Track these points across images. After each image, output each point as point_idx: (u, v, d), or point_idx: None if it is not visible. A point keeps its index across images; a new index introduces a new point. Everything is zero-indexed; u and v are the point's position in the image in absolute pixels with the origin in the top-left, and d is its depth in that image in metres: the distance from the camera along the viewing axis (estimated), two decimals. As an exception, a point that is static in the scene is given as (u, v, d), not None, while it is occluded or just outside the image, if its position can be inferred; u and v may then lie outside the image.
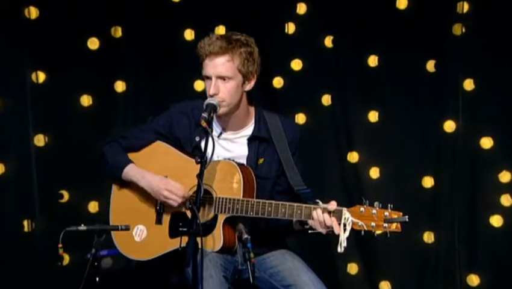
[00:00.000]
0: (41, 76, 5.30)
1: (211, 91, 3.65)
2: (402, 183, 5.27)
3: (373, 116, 5.36)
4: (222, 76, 3.65)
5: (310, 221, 3.55)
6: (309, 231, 3.58)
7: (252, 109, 3.83)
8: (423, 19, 5.20)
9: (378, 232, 3.48)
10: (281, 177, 3.77)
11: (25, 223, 5.25)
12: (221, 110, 3.68)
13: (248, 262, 3.43)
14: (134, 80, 5.38)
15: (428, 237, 5.30)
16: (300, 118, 5.36)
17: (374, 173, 5.36)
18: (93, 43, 5.35)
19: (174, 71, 5.32)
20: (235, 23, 5.24)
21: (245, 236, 3.48)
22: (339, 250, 3.46)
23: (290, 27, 5.36)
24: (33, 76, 5.27)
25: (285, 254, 3.77)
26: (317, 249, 4.92)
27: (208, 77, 3.69)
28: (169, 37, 5.34)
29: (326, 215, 3.50)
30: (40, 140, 5.29)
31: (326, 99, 5.40)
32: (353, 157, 5.39)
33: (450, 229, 5.24)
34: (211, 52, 3.64)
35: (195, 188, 3.61)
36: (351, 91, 5.35)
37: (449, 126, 5.30)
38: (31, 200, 5.22)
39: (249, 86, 3.73)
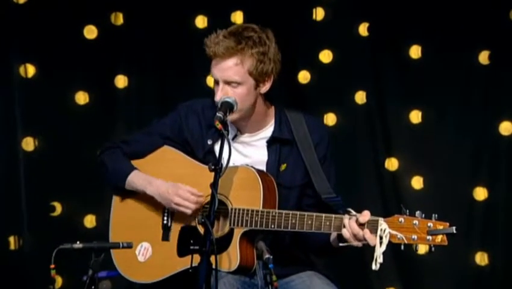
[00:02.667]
0: (31, 70, 5.36)
1: (218, 98, 3.66)
2: (450, 195, 5.26)
3: (415, 116, 5.37)
4: (230, 81, 3.67)
5: (343, 230, 3.53)
6: (340, 244, 3.58)
7: (272, 109, 3.84)
8: (474, 2, 5.20)
9: (421, 246, 3.48)
10: (309, 187, 3.76)
11: (11, 239, 5.30)
12: (232, 116, 3.68)
13: (270, 286, 3.45)
14: (137, 74, 5.43)
15: (481, 258, 5.28)
16: (330, 119, 5.38)
17: (417, 182, 5.36)
18: (91, 32, 5.41)
19: (184, 65, 5.36)
20: (255, 8, 5.28)
21: (266, 255, 3.48)
22: (374, 267, 3.44)
23: (319, 13, 5.38)
24: (21, 69, 5.34)
25: (312, 277, 3.76)
26: (349, 270, 4.93)
27: (216, 81, 3.70)
28: (178, 24, 5.38)
29: (357, 227, 3.49)
30: (28, 144, 5.35)
31: (360, 97, 5.41)
32: (392, 164, 5.39)
33: (506, 249, 5.23)
34: (217, 53, 3.63)
35: (208, 199, 3.63)
36: (390, 87, 5.35)
37: (506, 128, 5.29)
38: (18, 213, 5.27)
39: (264, 88, 3.73)
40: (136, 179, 3.82)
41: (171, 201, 3.73)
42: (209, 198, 3.55)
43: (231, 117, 3.68)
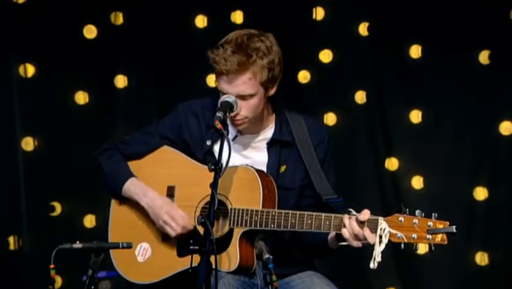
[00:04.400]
0: (30, 70, 5.37)
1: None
2: (450, 195, 5.27)
3: (415, 116, 5.37)
4: (244, 95, 3.66)
5: (343, 230, 3.54)
6: (340, 244, 3.59)
7: (272, 109, 3.84)
8: (474, 2, 5.21)
9: (421, 244, 3.48)
10: (308, 188, 3.77)
11: (11, 239, 5.31)
12: (243, 126, 3.71)
13: (270, 286, 3.46)
14: (137, 74, 5.44)
15: (481, 259, 5.29)
16: (330, 119, 5.39)
17: (417, 182, 5.36)
18: (90, 31, 5.42)
19: (184, 65, 5.38)
20: (255, 7, 5.29)
21: (266, 255, 3.48)
22: (372, 266, 3.45)
23: (319, 13, 5.39)
24: (21, 69, 5.34)
25: (312, 277, 3.77)
26: (349, 270, 4.95)
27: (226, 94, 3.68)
28: (178, 23, 5.39)
29: (357, 226, 3.51)
30: (28, 144, 5.36)
31: (361, 96, 5.42)
32: (392, 164, 5.40)
33: (507, 249, 5.23)
34: (229, 70, 3.61)
35: (207, 199, 3.63)
36: (390, 87, 5.36)
37: (506, 128, 5.30)
38: (17, 213, 5.28)
39: (272, 91, 3.74)
40: (132, 188, 3.82)
41: (160, 218, 3.74)
42: (209, 198, 3.56)
43: (243, 126, 3.71)
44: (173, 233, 3.72)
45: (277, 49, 3.70)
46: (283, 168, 3.80)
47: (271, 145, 3.82)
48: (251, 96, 3.67)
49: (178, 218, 3.71)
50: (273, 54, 3.67)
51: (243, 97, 3.66)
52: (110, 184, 3.86)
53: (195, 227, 3.74)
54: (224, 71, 3.63)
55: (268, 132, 3.84)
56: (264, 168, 3.78)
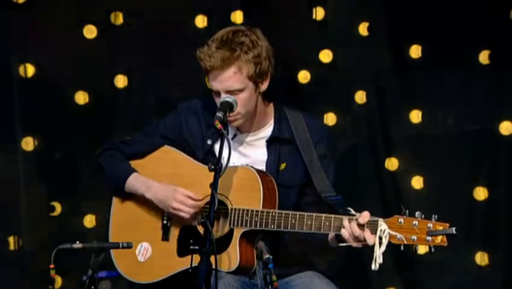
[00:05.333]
0: (30, 69, 5.37)
1: None
2: (450, 195, 5.27)
3: (415, 116, 5.37)
4: (231, 90, 3.68)
5: (342, 231, 3.56)
6: (339, 244, 3.59)
7: (271, 106, 3.85)
8: (474, 2, 5.21)
9: (420, 246, 3.49)
10: (308, 185, 3.77)
11: (11, 239, 5.32)
12: (237, 123, 3.72)
13: (270, 287, 3.46)
14: (137, 74, 5.45)
15: (481, 259, 5.29)
16: (330, 119, 5.39)
17: (417, 182, 5.37)
18: (90, 31, 5.42)
19: (184, 64, 5.38)
20: (255, 7, 5.30)
21: (266, 255, 3.49)
22: (373, 267, 3.45)
23: (319, 13, 5.39)
24: (20, 69, 5.35)
25: (313, 277, 3.77)
26: (349, 270, 4.95)
27: (216, 91, 3.71)
28: (178, 24, 5.40)
29: (357, 228, 3.53)
30: (28, 144, 5.36)
31: (361, 96, 5.42)
32: (392, 164, 5.40)
33: (507, 249, 5.24)
34: (214, 66, 3.64)
35: (208, 199, 3.63)
36: (390, 86, 5.37)
37: (506, 127, 5.30)
38: (17, 213, 5.29)
39: (263, 87, 3.75)
40: (135, 182, 3.83)
41: (170, 206, 3.75)
42: (209, 198, 3.56)
43: (236, 123, 3.71)
44: (187, 217, 3.72)
45: (264, 43, 3.70)
46: (283, 165, 3.80)
47: (270, 142, 3.82)
48: (240, 90, 3.68)
49: (186, 200, 3.71)
50: (259, 48, 3.68)
51: (232, 93, 3.67)
52: (112, 181, 3.87)
53: (195, 228, 3.75)
54: (209, 68, 3.66)
55: (268, 130, 3.84)
56: (263, 166, 3.78)
